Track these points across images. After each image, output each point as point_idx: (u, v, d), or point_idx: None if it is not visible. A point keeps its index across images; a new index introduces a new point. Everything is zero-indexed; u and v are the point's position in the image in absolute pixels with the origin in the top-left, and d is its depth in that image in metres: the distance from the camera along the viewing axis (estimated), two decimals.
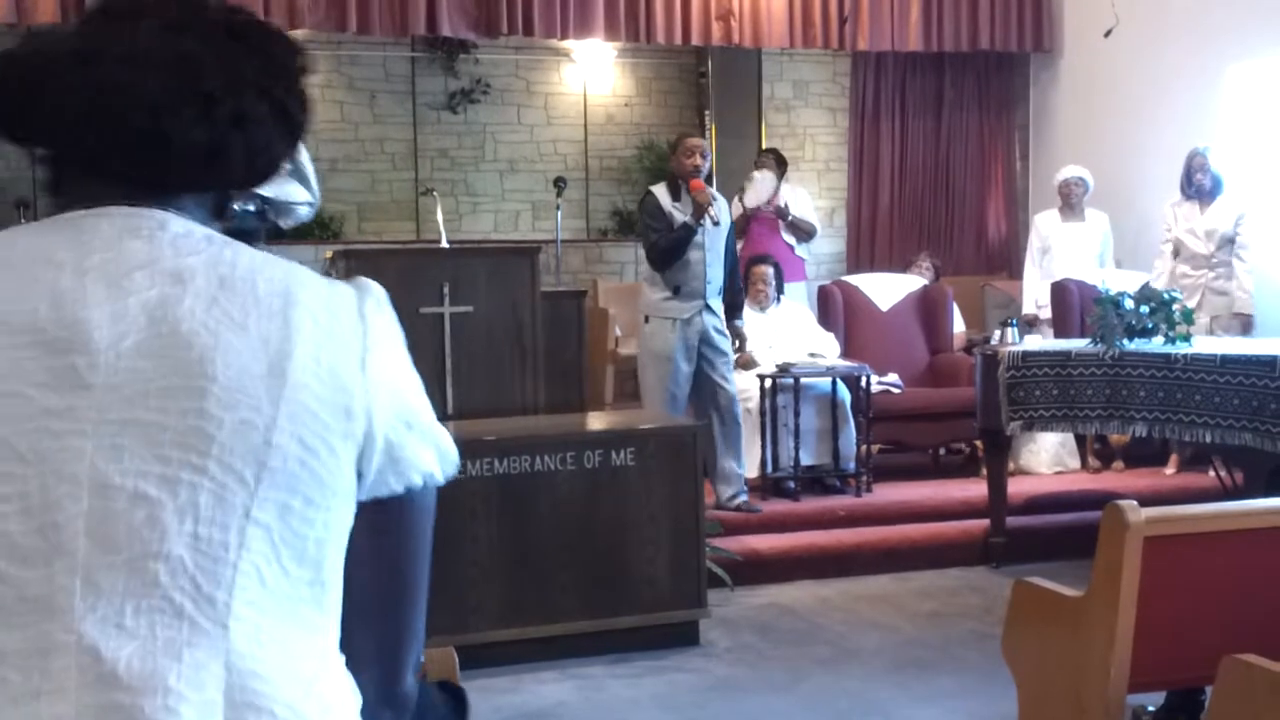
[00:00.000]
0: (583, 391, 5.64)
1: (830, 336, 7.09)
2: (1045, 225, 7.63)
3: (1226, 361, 4.93)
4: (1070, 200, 7.52)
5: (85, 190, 1.12)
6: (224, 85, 1.12)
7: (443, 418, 1.23)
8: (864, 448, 6.57)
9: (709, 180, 6.14)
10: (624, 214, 10.80)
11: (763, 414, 6.36)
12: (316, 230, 9.70)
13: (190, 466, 1.04)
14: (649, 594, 4.70)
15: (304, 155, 3.52)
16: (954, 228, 9.32)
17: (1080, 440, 7.14)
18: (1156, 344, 5.34)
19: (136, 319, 1.06)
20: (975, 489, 6.42)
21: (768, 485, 6.41)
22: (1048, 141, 9.01)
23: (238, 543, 1.05)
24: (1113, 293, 5.52)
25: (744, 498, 6.09)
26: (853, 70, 9.20)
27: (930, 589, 5.59)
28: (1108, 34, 8.03)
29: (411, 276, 5.19)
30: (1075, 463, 7.18)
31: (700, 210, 5.78)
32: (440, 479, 1.19)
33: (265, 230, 3.29)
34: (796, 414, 6.35)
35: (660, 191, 5.98)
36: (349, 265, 5.21)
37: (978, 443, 6.61)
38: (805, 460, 6.45)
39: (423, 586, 1.22)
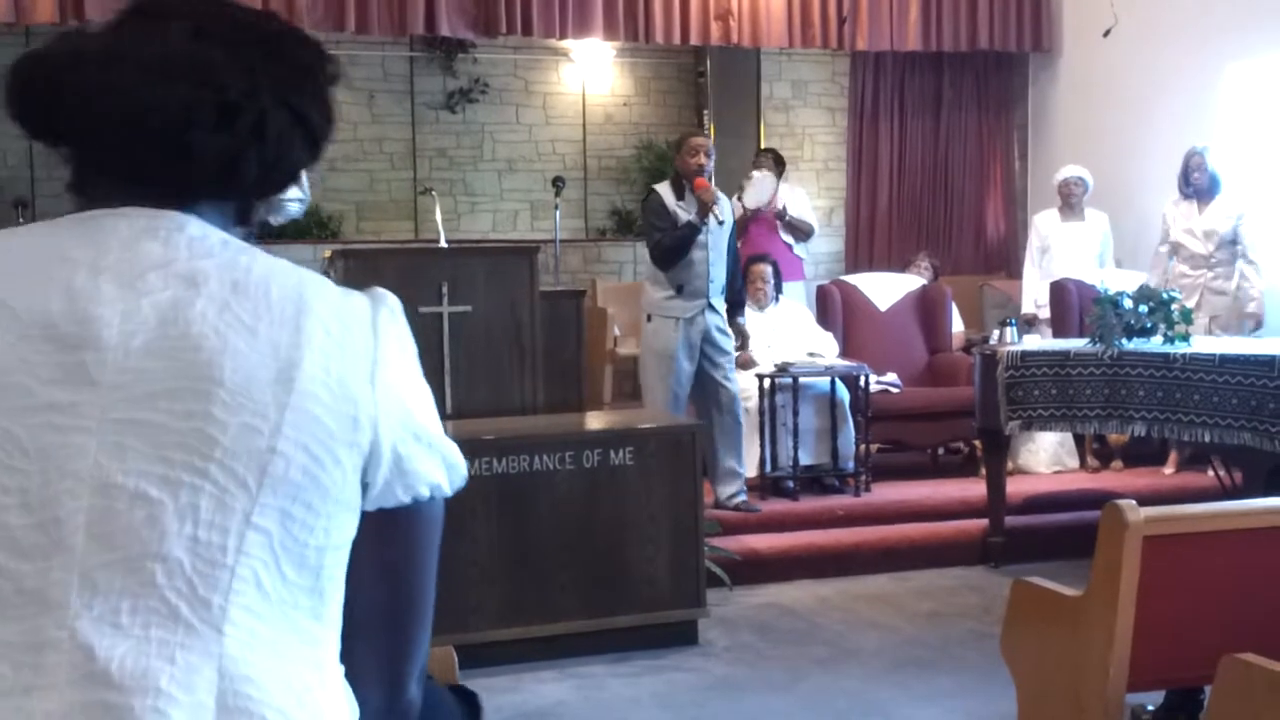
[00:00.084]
0: (581, 391, 5.64)
1: (829, 336, 7.09)
2: (1045, 225, 7.63)
3: (1225, 361, 4.93)
4: (1070, 200, 7.52)
5: (105, 190, 1.13)
6: (246, 94, 1.12)
7: (442, 417, 1.23)
8: (863, 447, 6.57)
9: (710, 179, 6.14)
10: (622, 213, 10.79)
11: (761, 413, 6.36)
12: (315, 230, 9.70)
13: (192, 469, 1.04)
14: (648, 593, 4.70)
15: None
16: (953, 227, 9.32)
17: (1079, 440, 7.14)
18: (1155, 344, 5.34)
19: (147, 319, 1.06)
20: (974, 488, 6.42)
21: (766, 485, 6.41)
22: (1046, 141, 9.01)
23: (236, 547, 1.05)
24: (1111, 292, 5.52)
25: (743, 497, 6.09)
26: (851, 70, 9.20)
27: (929, 588, 5.59)
28: (1107, 33, 8.03)
29: (410, 276, 5.19)
30: (1074, 462, 7.18)
31: (705, 209, 5.79)
32: (448, 491, 1.19)
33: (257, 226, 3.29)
34: (795, 413, 6.35)
35: (664, 190, 5.98)
36: (347, 265, 5.21)
37: (976, 442, 6.61)
38: (804, 460, 6.45)
39: (428, 599, 1.22)
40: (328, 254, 5.76)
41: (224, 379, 1.05)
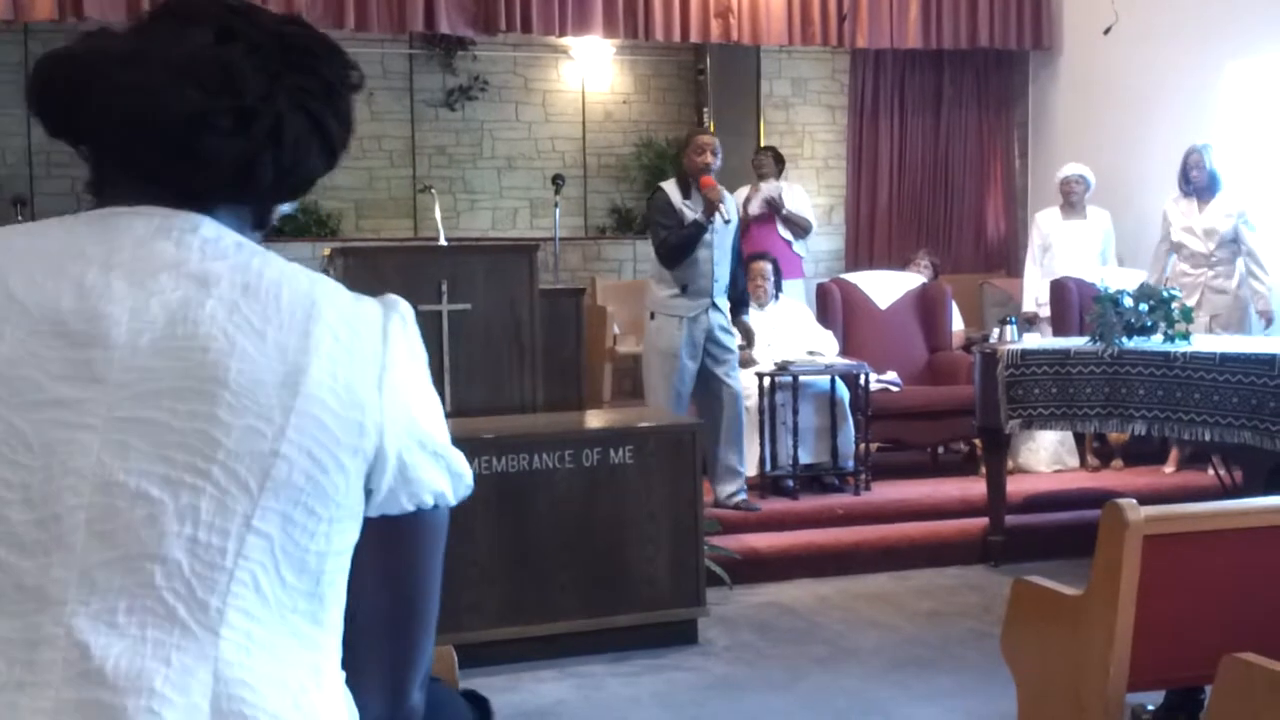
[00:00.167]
0: (581, 389, 5.64)
1: (829, 334, 7.09)
2: (1046, 223, 7.62)
3: (1226, 360, 4.93)
4: (1071, 198, 7.51)
5: (124, 189, 1.13)
6: (264, 100, 1.12)
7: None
8: (863, 446, 6.57)
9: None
10: (622, 211, 10.79)
11: (761, 412, 6.35)
12: (314, 228, 9.70)
13: (194, 470, 1.04)
14: (648, 592, 4.69)
15: None
16: (953, 225, 9.31)
17: (1079, 439, 7.14)
18: (1156, 342, 5.33)
19: (156, 318, 1.06)
20: (974, 487, 6.41)
21: (766, 484, 6.40)
22: (1047, 139, 9.00)
23: (236, 550, 1.05)
24: (1112, 291, 5.51)
25: (743, 496, 6.09)
26: (851, 67, 9.19)
27: (929, 588, 5.59)
28: (1107, 31, 8.02)
29: (409, 274, 5.18)
30: (1074, 461, 7.18)
31: (711, 208, 5.79)
32: (452, 500, 1.19)
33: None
34: (795, 412, 6.34)
35: (670, 188, 5.98)
36: (346, 263, 5.20)
37: (976, 441, 6.60)
38: (804, 459, 6.44)
39: (432, 606, 1.22)
40: (327, 252, 5.76)
41: (229, 381, 1.05)
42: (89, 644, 1.01)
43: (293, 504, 1.07)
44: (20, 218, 8.24)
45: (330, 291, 1.13)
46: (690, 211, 5.85)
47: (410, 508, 1.15)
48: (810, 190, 8.92)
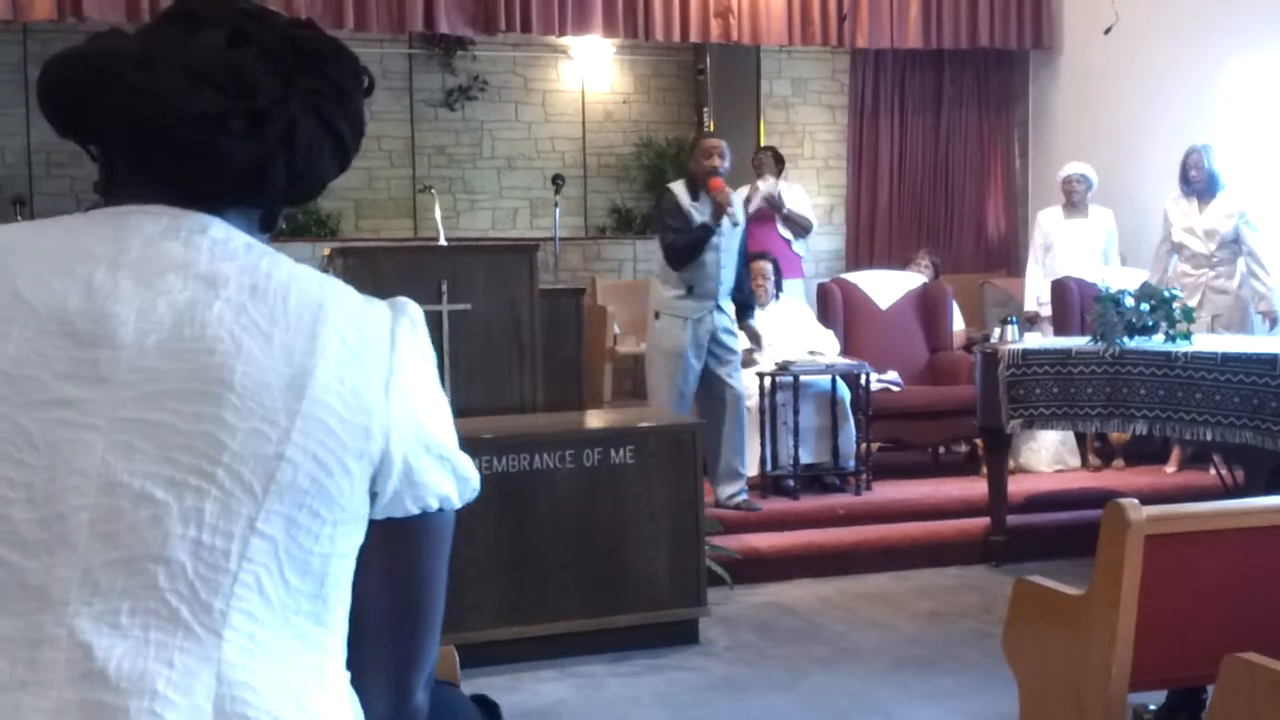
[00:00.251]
0: (581, 389, 5.63)
1: (829, 334, 7.08)
2: (1048, 222, 7.62)
3: (1227, 360, 4.92)
4: (1073, 197, 7.50)
5: (133, 189, 1.13)
6: (276, 103, 1.12)
7: None
8: (863, 446, 6.56)
9: None
10: (622, 211, 10.78)
11: (762, 412, 6.34)
12: (313, 228, 9.70)
13: (199, 472, 1.04)
14: (648, 592, 4.69)
15: None
16: (953, 225, 9.30)
17: (1080, 438, 7.13)
18: (1157, 342, 5.33)
19: (163, 319, 1.06)
20: (975, 487, 6.40)
21: (767, 483, 6.40)
22: (1047, 138, 9.00)
23: (239, 552, 1.04)
24: (1113, 291, 5.51)
25: (744, 496, 6.08)
26: (852, 67, 9.19)
27: (930, 588, 5.58)
28: (1107, 31, 8.02)
29: (409, 274, 5.18)
30: (1075, 461, 7.17)
31: (720, 210, 5.79)
32: (457, 503, 1.19)
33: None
34: (796, 412, 6.34)
35: (679, 189, 5.99)
36: (346, 263, 5.20)
37: (978, 441, 6.60)
38: (804, 458, 6.44)
39: (436, 607, 1.21)
40: (326, 252, 5.75)
41: (235, 383, 1.05)
42: (92, 645, 1.01)
43: (297, 507, 1.06)
44: (20, 218, 8.23)
45: (339, 294, 1.13)
46: (698, 213, 5.86)
47: (415, 511, 1.15)
48: (810, 190, 8.91)
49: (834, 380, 6.49)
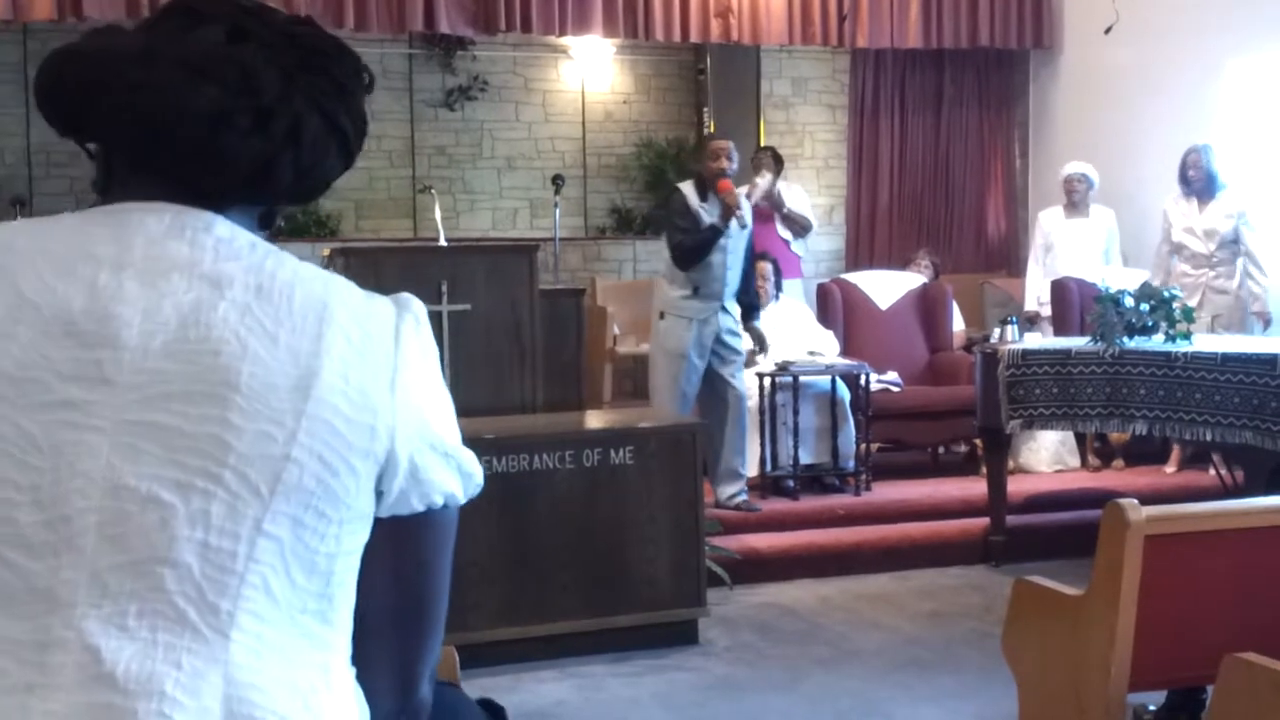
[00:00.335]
0: (581, 390, 5.63)
1: (829, 334, 7.08)
2: (1049, 222, 7.61)
3: (1227, 360, 4.92)
4: (1073, 197, 7.50)
5: (134, 187, 1.12)
6: (281, 100, 1.11)
7: None
8: (863, 446, 6.56)
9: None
10: (622, 211, 10.78)
11: (762, 412, 6.34)
12: (313, 228, 9.69)
13: (205, 474, 1.03)
14: (648, 593, 4.69)
15: None
16: (953, 225, 9.30)
17: (1080, 439, 7.13)
18: (1157, 342, 5.33)
19: (168, 320, 1.05)
20: (975, 487, 6.40)
21: (767, 484, 6.39)
22: (1047, 138, 9.00)
23: (247, 554, 1.04)
24: (1112, 291, 5.51)
25: (744, 497, 6.08)
26: (852, 67, 9.18)
27: (930, 588, 5.58)
28: (1108, 30, 8.02)
29: (409, 274, 5.18)
30: (1075, 461, 7.17)
31: (728, 212, 5.80)
32: (462, 499, 1.19)
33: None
34: (796, 412, 6.33)
35: (688, 190, 5.99)
36: (346, 263, 5.20)
37: (977, 441, 6.60)
38: (804, 459, 6.43)
39: (441, 602, 1.22)
40: (326, 252, 5.75)
41: (241, 385, 1.04)
42: (100, 647, 1.01)
43: (303, 507, 1.06)
44: (20, 218, 8.23)
45: (343, 293, 1.13)
46: (707, 214, 5.87)
47: (420, 508, 1.15)
48: (810, 190, 8.90)
49: (834, 381, 6.49)
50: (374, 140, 10.33)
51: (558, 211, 8.24)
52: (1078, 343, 5.64)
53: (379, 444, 1.10)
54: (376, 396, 1.10)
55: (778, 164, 8.24)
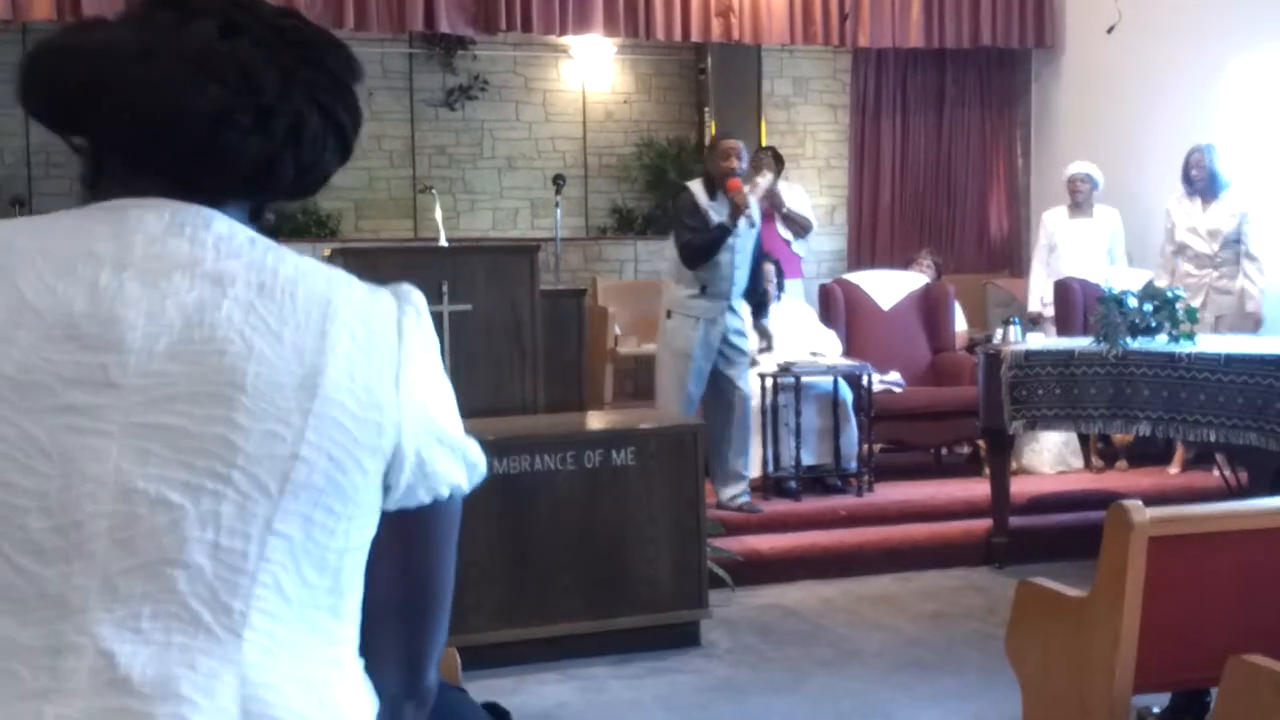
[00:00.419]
0: (582, 391, 5.62)
1: (831, 335, 7.07)
2: (1052, 222, 7.60)
3: (1231, 360, 4.91)
4: (1077, 197, 7.48)
5: (131, 183, 1.10)
6: (281, 96, 1.10)
7: None
8: (865, 447, 6.55)
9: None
10: (623, 211, 10.77)
11: (764, 413, 6.33)
12: (313, 228, 9.68)
13: (214, 475, 1.03)
14: (650, 594, 4.68)
15: None
16: (955, 225, 9.28)
17: (1083, 439, 7.12)
18: (1160, 343, 5.31)
19: (172, 321, 1.04)
20: (977, 488, 6.39)
21: (769, 485, 6.39)
22: (1050, 138, 8.98)
23: (258, 553, 1.04)
24: (1116, 291, 5.50)
25: (746, 498, 6.07)
26: (853, 67, 9.17)
27: (933, 589, 5.57)
28: (1110, 30, 8.01)
29: (410, 275, 5.06)
30: (1078, 462, 7.16)
31: (737, 211, 5.80)
32: (466, 489, 1.20)
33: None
34: (798, 413, 6.32)
35: (697, 188, 5.99)
36: (346, 263, 5.17)
37: (980, 442, 6.58)
38: (806, 460, 6.42)
39: (447, 590, 1.23)
40: (327, 253, 5.75)
41: (247, 385, 1.04)
42: (114, 651, 1.00)
43: (313, 505, 1.06)
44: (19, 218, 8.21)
45: (345, 288, 1.12)
46: (715, 213, 5.86)
47: (428, 500, 1.16)
48: (812, 190, 8.89)
49: (836, 381, 6.48)
50: (374, 140, 10.33)
51: (558, 211, 8.23)
52: (1081, 343, 5.63)
53: (386, 440, 1.10)
54: (382, 392, 1.10)
55: (778, 164, 8.22)
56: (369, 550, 1.13)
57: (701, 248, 5.85)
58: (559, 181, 8.24)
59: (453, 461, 1.17)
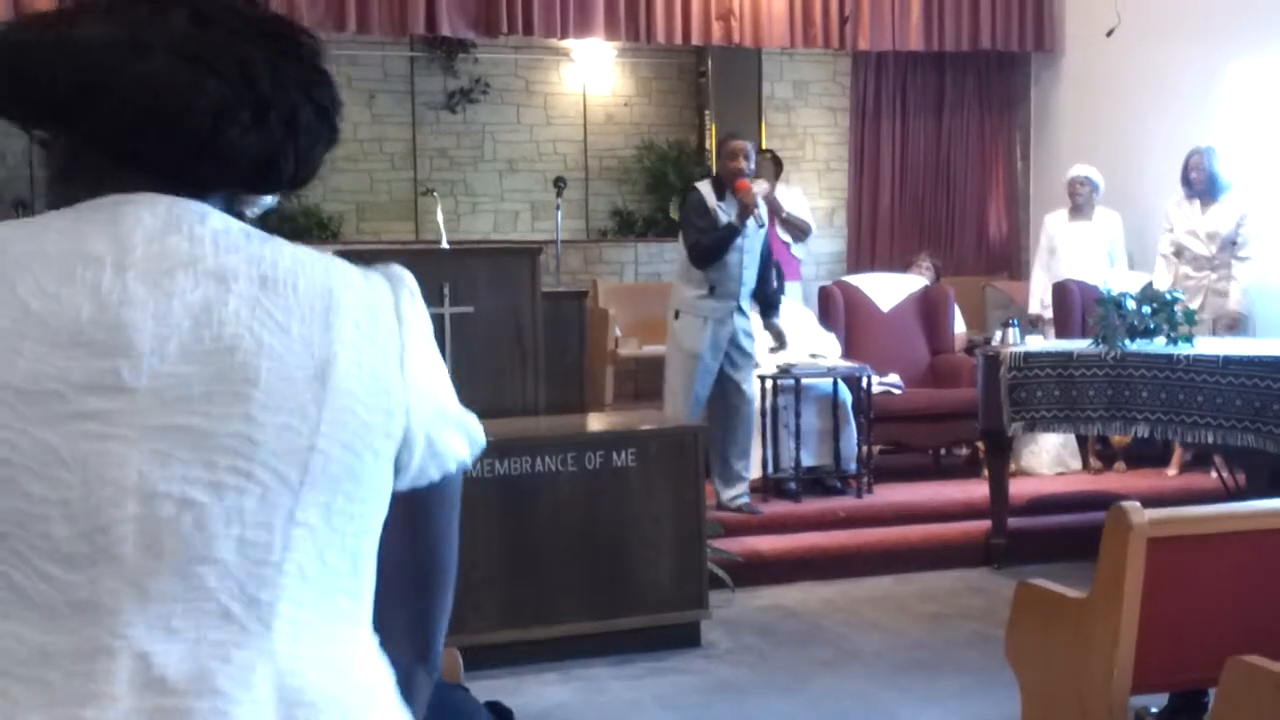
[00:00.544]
0: (583, 392, 5.63)
1: (831, 337, 7.09)
2: (1053, 225, 7.61)
3: (1229, 362, 4.92)
4: (1077, 200, 7.49)
5: (116, 179, 1.08)
6: (275, 88, 1.09)
7: None
8: (865, 448, 6.56)
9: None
10: (624, 214, 10.78)
11: (764, 415, 6.34)
12: (315, 230, 9.70)
13: (236, 471, 1.03)
14: (650, 595, 4.69)
15: None
16: (955, 228, 9.29)
17: (1082, 441, 7.13)
18: (1159, 345, 5.33)
19: (180, 322, 1.04)
20: (976, 490, 6.40)
21: (769, 486, 6.39)
22: (1049, 141, 9.00)
23: (282, 545, 1.05)
24: (1114, 293, 5.51)
25: (745, 499, 6.08)
26: (853, 70, 9.18)
27: (932, 590, 5.58)
28: (1109, 33, 8.02)
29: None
30: (1077, 464, 7.17)
31: (746, 211, 5.81)
32: (469, 462, 1.22)
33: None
34: (797, 415, 6.34)
35: (705, 189, 6.01)
36: None
37: (979, 444, 6.59)
38: (806, 461, 6.43)
39: (454, 562, 1.26)
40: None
41: (260, 380, 1.04)
42: (150, 652, 1.01)
43: (332, 493, 1.07)
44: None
45: (343, 276, 1.12)
46: (724, 213, 5.88)
47: (437, 478, 1.18)
48: (811, 193, 8.90)
49: (835, 383, 6.49)
50: (376, 143, 10.35)
51: (559, 214, 8.24)
52: (1079, 345, 5.64)
53: (396, 424, 1.12)
54: (389, 378, 1.11)
55: (777, 167, 8.24)
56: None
57: (710, 248, 5.86)
58: (560, 184, 8.26)
59: (459, 437, 1.19)
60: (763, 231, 6.02)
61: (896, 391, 6.99)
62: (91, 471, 1.01)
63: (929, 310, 7.64)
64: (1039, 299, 7.56)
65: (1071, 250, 7.44)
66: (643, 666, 4.56)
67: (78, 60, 1.06)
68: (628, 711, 4.17)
